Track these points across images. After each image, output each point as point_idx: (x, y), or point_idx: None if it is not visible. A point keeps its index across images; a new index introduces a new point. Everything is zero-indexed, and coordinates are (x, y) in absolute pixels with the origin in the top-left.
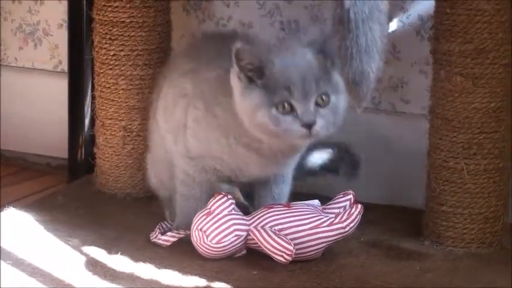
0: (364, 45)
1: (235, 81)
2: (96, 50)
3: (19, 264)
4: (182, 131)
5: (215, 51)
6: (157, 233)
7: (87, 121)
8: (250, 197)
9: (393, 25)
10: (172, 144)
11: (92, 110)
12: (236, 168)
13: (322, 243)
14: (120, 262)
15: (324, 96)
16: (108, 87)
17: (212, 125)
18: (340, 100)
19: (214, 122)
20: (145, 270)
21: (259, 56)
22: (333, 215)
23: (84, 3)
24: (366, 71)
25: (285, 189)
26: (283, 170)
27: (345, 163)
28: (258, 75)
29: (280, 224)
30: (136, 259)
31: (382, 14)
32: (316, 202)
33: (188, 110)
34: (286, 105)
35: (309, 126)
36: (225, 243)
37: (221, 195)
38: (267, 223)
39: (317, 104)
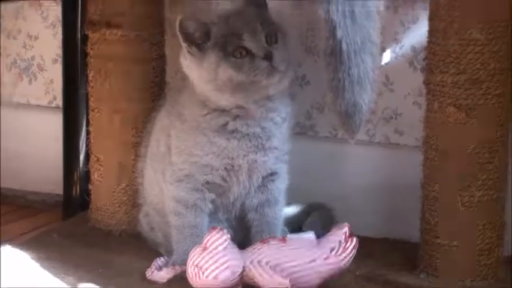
0: (356, 76)
1: (188, 60)
2: (91, 85)
3: None
4: (167, 161)
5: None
6: (153, 269)
7: (81, 157)
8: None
9: (386, 56)
10: (162, 183)
11: (87, 146)
12: (227, 169)
13: (318, 277)
14: None
15: (271, 35)
16: (103, 123)
17: (187, 131)
18: (286, 39)
19: (187, 126)
20: None
21: (201, 21)
22: (328, 249)
23: (79, 38)
24: (359, 103)
25: (278, 212)
26: (268, 156)
27: (320, 220)
28: (206, 38)
29: (276, 259)
30: None
31: (375, 45)
32: (311, 235)
33: (169, 137)
34: (241, 50)
35: (268, 58)
36: (221, 279)
37: (216, 230)
38: (262, 258)
39: (267, 43)
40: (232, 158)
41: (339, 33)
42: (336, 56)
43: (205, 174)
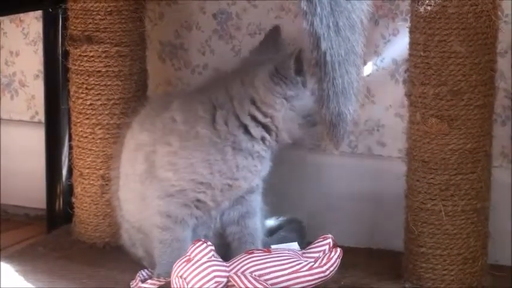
0: (340, 87)
1: (279, 90)
2: (73, 100)
3: None
4: (149, 177)
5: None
6: (137, 281)
7: (64, 171)
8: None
9: (368, 69)
10: (139, 201)
11: (70, 160)
12: (222, 189)
13: (303, 287)
14: None
15: None
16: (85, 137)
17: (193, 148)
18: None
19: (194, 143)
20: None
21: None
22: (313, 259)
23: (60, 54)
24: (343, 113)
25: (258, 222)
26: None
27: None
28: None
29: (261, 269)
30: None
31: (358, 57)
32: (295, 246)
33: (153, 153)
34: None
35: None
36: None
37: (200, 242)
38: (247, 269)
39: None
40: (237, 179)
41: (323, 45)
42: (320, 67)
43: (198, 192)
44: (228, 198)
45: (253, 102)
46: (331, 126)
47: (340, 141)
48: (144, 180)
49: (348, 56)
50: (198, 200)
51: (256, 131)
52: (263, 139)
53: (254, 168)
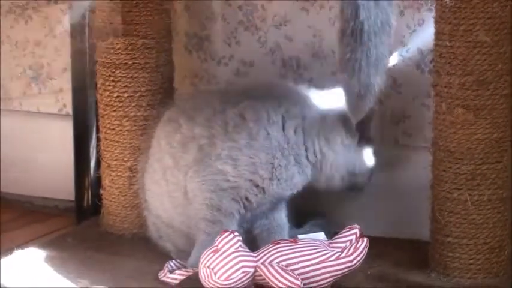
0: (373, 58)
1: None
2: (100, 92)
3: None
4: (196, 168)
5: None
6: (165, 271)
7: (92, 163)
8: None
9: (393, 59)
10: (179, 193)
11: (97, 152)
12: (274, 195)
13: (330, 277)
14: None
15: None
16: (113, 129)
17: (260, 150)
18: None
19: (262, 144)
20: None
21: None
22: (340, 249)
23: (87, 47)
24: (372, 84)
25: (284, 214)
26: None
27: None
28: None
29: (288, 259)
30: None
31: (392, 29)
32: (322, 236)
33: (209, 146)
34: None
35: None
36: (233, 280)
37: (228, 233)
38: (274, 259)
39: None
40: (288, 189)
41: (362, 14)
42: (355, 36)
43: (250, 193)
44: (271, 202)
45: (318, 138)
46: (358, 98)
47: (362, 113)
48: (188, 170)
49: (383, 27)
50: (247, 199)
51: (312, 157)
52: (313, 165)
53: (302, 183)
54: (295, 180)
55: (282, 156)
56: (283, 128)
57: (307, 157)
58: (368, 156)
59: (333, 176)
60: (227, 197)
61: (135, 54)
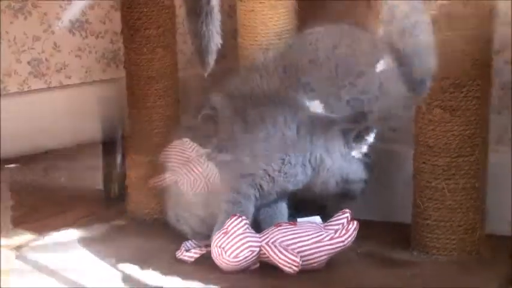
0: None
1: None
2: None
3: (65, 280)
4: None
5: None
6: (182, 250)
7: (119, 157)
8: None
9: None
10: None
11: (123, 148)
12: (282, 187)
13: (325, 255)
14: (151, 276)
15: None
16: (136, 128)
17: (278, 146)
18: None
19: (282, 141)
20: (173, 283)
21: None
22: (333, 231)
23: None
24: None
25: (285, 202)
26: None
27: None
28: None
29: (288, 239)
30: (165, 273)
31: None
32: (317, 219)
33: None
34: None
35: None
36: (241, 258)
37: (236, 217)
38: (276, 239)
39: None
40: (294, 183)
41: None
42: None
43: (262, 179)
44: (277, 193)
45: (321, 146)
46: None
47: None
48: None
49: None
50: (261, 186)
51: (313, 161)
52: (313, 169)
53: (302, 181)
54: (298, 178)
55: (291, 155)
56: (297, 132)
57: (309, 160)
58: (362, 168)
59: (328, 181)
60: (246, 182)
61: (154, 57)
